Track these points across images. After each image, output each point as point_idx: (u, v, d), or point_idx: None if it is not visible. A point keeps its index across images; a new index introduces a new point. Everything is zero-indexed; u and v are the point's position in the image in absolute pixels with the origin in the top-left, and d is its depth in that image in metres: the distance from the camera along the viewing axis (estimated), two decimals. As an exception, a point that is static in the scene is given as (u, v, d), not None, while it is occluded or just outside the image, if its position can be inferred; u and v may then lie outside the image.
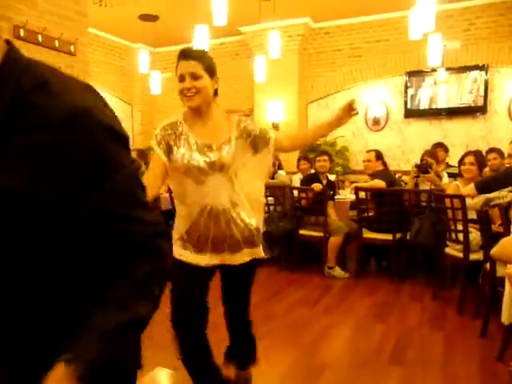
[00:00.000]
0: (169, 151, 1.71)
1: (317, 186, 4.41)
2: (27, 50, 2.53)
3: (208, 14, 4.50)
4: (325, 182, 4.63)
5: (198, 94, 1.67)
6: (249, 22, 6.72)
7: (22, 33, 2.45)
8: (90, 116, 0.66)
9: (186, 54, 1.69)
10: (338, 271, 4.37)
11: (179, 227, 1.82)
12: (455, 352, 2.69)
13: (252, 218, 1.83)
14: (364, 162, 4.56)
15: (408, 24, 4.79)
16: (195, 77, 1.66)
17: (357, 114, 2.02)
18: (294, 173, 5.58)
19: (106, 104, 0.73)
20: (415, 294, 3.79)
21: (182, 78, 1.69)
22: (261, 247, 1.90)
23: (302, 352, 2.72)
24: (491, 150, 4.43)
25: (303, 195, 4.51)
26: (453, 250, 3.53)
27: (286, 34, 6.65)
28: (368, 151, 4.65)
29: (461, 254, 3.37)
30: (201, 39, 4.85)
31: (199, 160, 1.68)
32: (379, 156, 4.49)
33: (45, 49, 2.60)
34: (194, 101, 1.68)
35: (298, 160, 5.33)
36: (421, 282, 4.09)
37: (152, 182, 1.67)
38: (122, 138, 0.73)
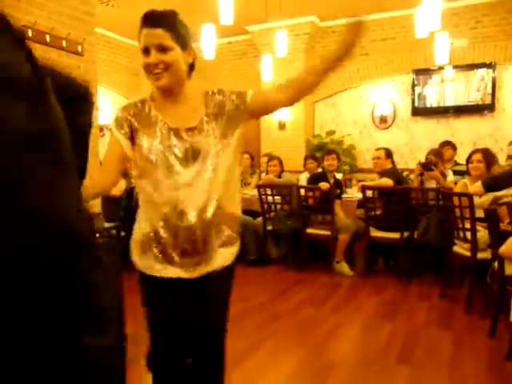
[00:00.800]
0: (132, 135, 1.41)
1: (324, 185, 4.40)
2: (36, 51, 2.55)
3: (215, 13, 4.50)
4: (332, 180, 4.63)
5: (166, 70, 1.35)
6: (256, 21, 6.72)
7: (30, 33, 2.47)
8: None
9: (151, 20, 1.34)
10: (343, 267, 4.37)
11: (141, 225, 1.49)
12: (463, 352, 2.68)
13: (234, 209, 1.52)
14: (373, 159, 4.55)
15: (414, 22, 4.76)
16: (163, 49, 1.34)
17: (363, 30, 1.49)
18: (301, 172, 5.58)
19: None
20: (423, 293, 3.78)
21: (146, 50, 1.35)
22: (236, 246, 1.55)
23: (310, 352, 2.72)
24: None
25: (310, 194, 4.50)
26: (460, 249, 3.51)
27: (292, 33, 6.65)
28: (377, 149, 4.63)
29: (468, 253, 3.35)
30: (208, 38, 4.85)
31: (170, 149, 1.38)
32: (389, 154, 4.48)
33: (53, 49, 2.62)
34: (162, 79, 1.36)
35: (305, 159, 5.34)
36: (428, 281, 4.07)
37: (102, 174, 1.38)
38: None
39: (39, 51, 2.57)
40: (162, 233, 1.41)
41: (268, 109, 1.57)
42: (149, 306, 1.51)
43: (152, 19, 1.34)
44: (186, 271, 1.45)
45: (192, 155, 1.39)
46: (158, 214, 1.40)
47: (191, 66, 1.47)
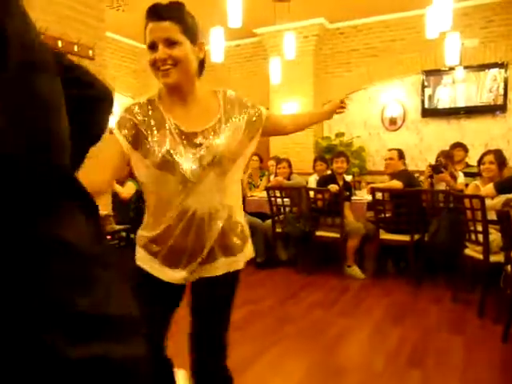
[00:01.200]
0: (136, 138, 1.30)
1: (333, 187, 4.39)
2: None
3: (223, 16, 4.52)
4: (341, 182, 4.61)
5: (176, 66, 1.26)
6: (264, 24, 6.73)
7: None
8: None
9: (156, 13, 1.24)
10: (355, 271, 4.34)
11: (148, 228, 1.43)
12: (476, 357, 2.64)
13: (241, 218, 1.51)
14: (386, 160, 4.51)
15: (424, 23, 4.73)
16: (171, 43, 1.24)
17: (343, 111, 1.80)
18: (310, 174, 5.56)
19: None
20: (434, 297, 3.74)
21: (152, 46, 1.26)
22: (241, 254, 1.49)
23: (319, 355, 2.70)
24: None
25: (319, 196, 4.49)
26: (472, 252, 3.47)
27: (301, 35, 6.64)
28: (390, 149, 4.60)
29: (481, 256, 3.31)
30: (217, 41, 4.87)
31: (181, 152, 1.30)
32: (401, 155, 4.45)
33: (64, 54, 2.65)
34: (171, 76, 1.27)
35: (315, 161, 5.32)
36: (439, 285, 4.03)
37: (99, 172, 1.25)
38: None
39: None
40: (169, 237, 1.37)
41: (274, 132, 1.62)
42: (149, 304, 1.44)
43: (158, 12, 1.24)
44: (189, 274, 1.43)
45: (208, 161, 1.32)
46: (167, 218, 1.35)
47: (201, 63, 1.37)
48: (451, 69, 6.16)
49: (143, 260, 1.45)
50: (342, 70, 7.04)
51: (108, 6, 5.52)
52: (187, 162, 1.30)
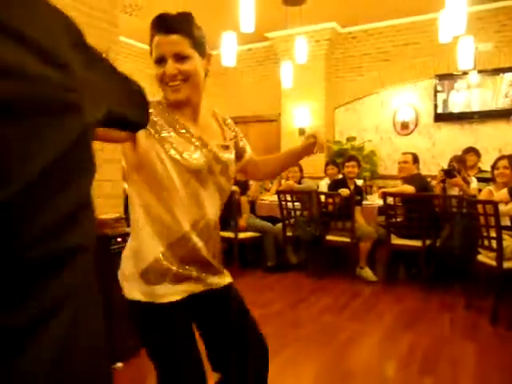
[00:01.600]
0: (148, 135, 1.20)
1: (344, 192, 4.37)
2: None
3: (235, 20, 4.54)
4: (352, 187, 4.59)
5: (186, 82, 1.20)
6: (275, 28, 6.75)
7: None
8: None
9: (165, 25, 1.17)
10: (367, 273, 4.32)
11: (149, 250, 1.24)
12: (488, 365, 2.60)
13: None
14: (400, 163, 4.48)
15: (437, 27, 4.70)
16: (181, 57, 1.18)
17: (320, 151, 1.50)
18: (321, 178, 5.55)
19: None
20: (446, 303, 3.70)
21: (160, 60, 1.19)
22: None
23: (329, 360, 2.68)
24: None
25: (330, 200, 4.47)
26: (485, 258, 3.43)
27: (312, 39, 6.65)
28: (404, 153, 4.57)
29: (494, 262, 3.27)
30: (228, 46, 4.89)
31: (200, 158, 1.24)
32: (416, 159, 4.43)
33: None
34: (181, 92, 1.20)
35: (326, 165, 5.31)
36: (452, 291, 3.99)
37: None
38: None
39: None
40: (179, 250, 1.25)
41: (244, 173, 1.61)
42: (170, 341, 1.27)
43: (166, 24, 1.16)
44: (203, 284, 1.34)
45: (220, 170, 1.30)
46: (175, 232, 1.23)
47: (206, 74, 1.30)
48: (465, 73, 6.10)
49: (150, 287, 1.24)
50: (354, 74, 7.02)
51: (122, 11, 5.59)
52: (203, 169, 1.26)
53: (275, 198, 4.85)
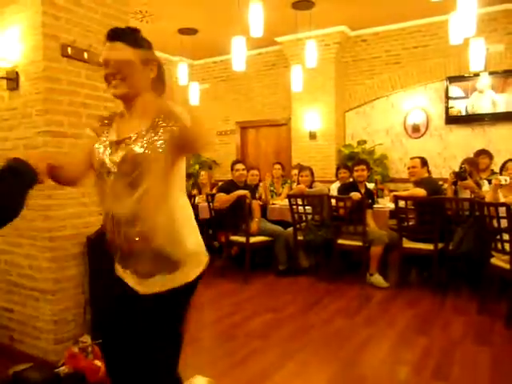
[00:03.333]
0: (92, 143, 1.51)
1: (355, 195, 4.36)
2: (75, 67, 2.66)
3: (245, 25, 4.57)
4: (363, 190, 4.58)
5: (124, 81, 1.41)
6: (285, 32, 6.78)
7: (69, 51, 2.57)
8: None
9: (111, 35, 1.44)
10: (378, 279, 4.28)
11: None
12: (503, 369, 2.57)
13: (166, 237, 1.41)
14: (409, 168, 4.46)
15: (448, 29, 4.68)
16: (121, 61, 1.41)
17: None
18: (332, 181, 5.54)
19: None
20: (459, 307, 3.66)
21: (106, 63, 1.43)
22: (183, 270, 1.44)
23: (341, 365, 2.67)
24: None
25: (341, 204, 4.46)
26: (499, 261, 3.39)
27: (322, 43, 6.65)
28: (412, 158, 4.54)
29: (508, 265, 3.23)
30: (238, 50, 4.92)
31: (104, 154, 1.44)
32: (424, 162, 4.39)
33: (90, 65, 2.72)
34: (118, 88, 1.43)
35: (338, 168, 5.29)
36: (465, 294, 3.94)
37: (72, 163, 1.51)
38: None
39: (79, 68, 2.67)
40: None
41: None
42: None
43: (113, 34, 1.43)
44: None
45: (120, 167, 1.40)
46: (104, 216, 1.53)
47: (157, 78, 1.50)
48: (476, 75, 6.06)
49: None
50: (364, 77, 7.01)
51: (133, 18, 5.66)
52: (103, 166, 1.43)
53: (286, 202, 4.85)
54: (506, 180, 3.50)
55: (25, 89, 2.61)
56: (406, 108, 6.75)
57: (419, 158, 4.45)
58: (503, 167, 3.59)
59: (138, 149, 1.37)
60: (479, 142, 6.09)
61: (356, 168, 4.67)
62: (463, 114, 6.28)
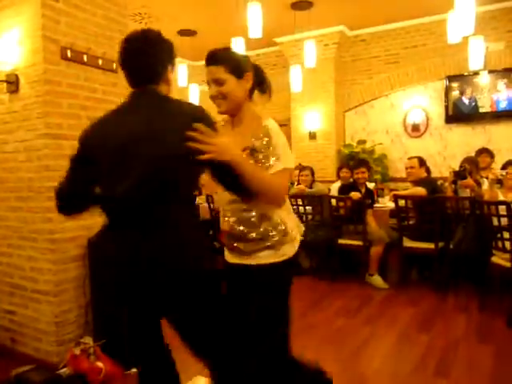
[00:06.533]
0: None
1: (355, 195, 4.36)
2: (74, 70, 2.67)
3: (244, 26, 4.58)
4: (363, 190, 4.58)
5: (224, 99, 1.63)
6: (284, 33, 6.79)
7: (68, 53, 2.58)
8: None
9: (207, 59, 1.65)
10: (377, 280, 4.28)
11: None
12: (504, 367, 2.57)
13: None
14: (407, 169, 4.45)
15: (446, 28, 4.68)
16: (219, 82, 1.61)
17: None
18: (332, 181, 5.54)
19: None
20: (460, 305, 3.66)
21: (208, 84, 1.68)
22: None
23: (343, 364, 2.68)
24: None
25: (341, 204, 4.46)
26: (500, 259, 3.39)
27: (321, 43, 6.66)
28: (410, 158, 4.54)
29: (508, 264, 3.23)
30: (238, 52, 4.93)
31: None
32: (422, 162, 4.38)
33: (90, 67, 2.72)
34: (221, 107, 1.65)
35: (340, 168, 5.28)
36: (466, 293, 3.94)
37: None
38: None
39: (78, 70, 2.68)
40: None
41: None
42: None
43: (208, 58, 1.63)
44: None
45: None
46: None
47: (253, 88, 1.72)
48: (475, 73, 6.06)
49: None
50: (363, 76, 7.02)
51: (132, 20, 5.67)
52: None
53: (286, 202, 4.85)
54: (502, 175, 3.51)
55: (25, 92, 2.62)
56: (406, 107, 6.75)
57: (417, 157, 4.44)
58: (504, 169, 3.60)
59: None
60: (479, 140, 6.09)
61: (356, 171, 4.68)
62: (463, 112, 6.28)
